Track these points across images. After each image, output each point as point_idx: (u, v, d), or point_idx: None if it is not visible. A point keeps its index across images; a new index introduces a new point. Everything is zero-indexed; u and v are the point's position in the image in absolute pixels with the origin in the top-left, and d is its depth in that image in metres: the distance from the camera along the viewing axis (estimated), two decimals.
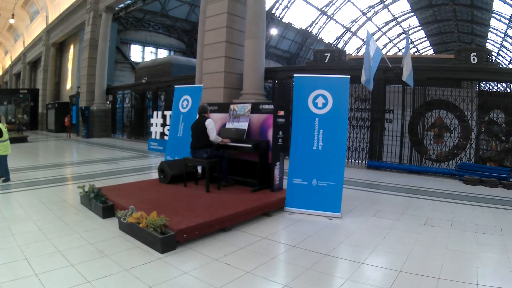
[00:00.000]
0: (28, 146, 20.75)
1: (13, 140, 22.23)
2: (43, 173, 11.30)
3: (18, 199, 7.88)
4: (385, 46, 54.59)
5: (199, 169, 9.00)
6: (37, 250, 4.90)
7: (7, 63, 60.49)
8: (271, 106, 7.93)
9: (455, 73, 13.31)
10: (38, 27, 41.84)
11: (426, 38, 56.11)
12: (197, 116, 8.38)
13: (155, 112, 18.65)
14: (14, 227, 5.79)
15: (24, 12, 43.33)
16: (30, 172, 11.32)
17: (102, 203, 6.60)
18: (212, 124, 7.94)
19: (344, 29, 50.35)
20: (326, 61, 15.85)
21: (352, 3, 45.04)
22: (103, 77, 27.22)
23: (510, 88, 13.09)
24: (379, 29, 51.38)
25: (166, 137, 15.95)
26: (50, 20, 37.42)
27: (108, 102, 28.03)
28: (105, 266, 4.46)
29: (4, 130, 9.64)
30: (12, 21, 38.69)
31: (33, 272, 4.23)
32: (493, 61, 24.21)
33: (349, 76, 7.45)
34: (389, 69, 13.08)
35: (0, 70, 66.11)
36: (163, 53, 39.01)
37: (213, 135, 7.92)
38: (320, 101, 7.31)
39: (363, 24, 49.66)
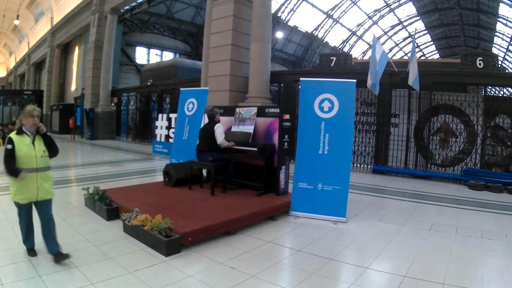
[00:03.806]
0: None
1: None
2: None
3: None
4: (391, 50, 54.55)
5: (204, 172, 8.99)
6: (41, 251, 4.89)
7: (12, 64, 60.67)
8: (277, 110, 7.93)
9: (461, 77, 13.29)
10: (43, 28, 41.96)
11: (432, 42, 56.03)
12: (206, 120, 8.40)
13: (160, 115, 18.71)
14: (18, 228, 5.76)
15: (29, 13, 43.47)
16: None
17: (106, 205, 6.60)
18: (220, 128, 7.96)
19: (350, 32, 50.35)
20: (332, 65, 15.89)
21: (358, 6, 45.05)
22: (108, 79, 27.30)
23: None
24: (385, 33, 51.37)
25: (171, 140, 15.98)
26: (55, 21, 37.57)
27: (113, 104, 28.06)
28: (109, 269, 4.46)
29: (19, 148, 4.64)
30: (17, 22, 38.86)
31: (37, 274, 4.24)
32: (499, 65, 24.20)
33: (355, 80, 7.43)
34: (395, 74, 13.06)
35: (5, 71, 66.29)
36: (168, 56, 39.11)
37: (220, 138, 7.92)
38: (326, 105, 7.29)
39: (369, 27, 49.63)
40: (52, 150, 4.92)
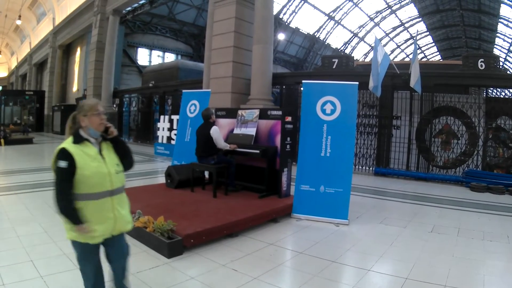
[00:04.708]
0: (34, 148, 20.87)
1: (18, 142, 22.48)
2: (48, 175, 11.26)
3: (24, 200, 7.90)
4: (392, 51, 54.49)
5: (206, 174, 8.99)
6: (43, 252, 4.92)
7: (13, 64, 60.62)
8: (279, 112, 7.94)
9: (463, 79, 13.28)
10: (44, 28, 42.04)
11: (433, 44, 55.99)
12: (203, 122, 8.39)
13: (162, 116, 18.69)
14: (19, 229, 5.80)
15: (31, 14, 43.49)
16: (36, 174, 11.34)
17: None
18: (217, 133, 7.93)
19: (352, 34, 50.32)
20: (334, 67, 15.86)
21: (360, 8, 45.00)
22: (110, 80, 27.30)
23: None
24: (387, 34, 51.34)
25: (172, 142, 15.99)
26: (57, 22, 37.60)
27: (114, 106, 28.05)
28: None
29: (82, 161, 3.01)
30: (18, 22, 38.79)
31: (39, 274, 4.25)
32: (501, 67, 24.19)
33: (357, 83, 7.46)
34: (396, 75, 13.06)
35: (6, 71, 66.30)
36: (170, 57, 39.09)
37: (221, 144, 7.93)
38: (328, 107, 7.31)
39: (371, 29, 49.61)
40: (128, 161, 3.39)
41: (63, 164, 2.87)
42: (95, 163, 3.03)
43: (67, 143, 2.99)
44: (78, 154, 2.95)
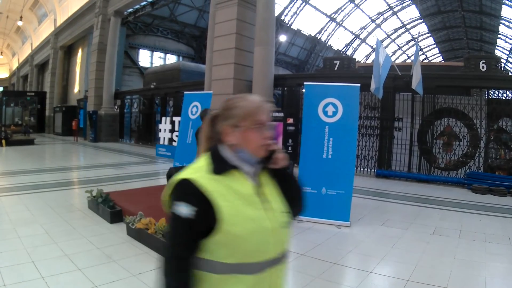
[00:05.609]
0: (35, 149, 20.85)
1: (20, 143, 22.50)
2: (50, 176, 11.32)
3: (25, 201, 7.88)
4: (394, 53, 54.37)
5: None
6: (44, 253, 4.92)
7: (15, 65, 60.59)
8: (281, 114, 7.95)
9: (465, 81, 13.28)
10: (46, 29, 42.01)
11: (435, 45, 55.88)
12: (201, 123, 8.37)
13: (163, 118, 18.69)
14: (20, 230, 5.80)
15: (32, 15, 43.50)
16: (37, 175, 11.33)
17: (110, 208, 6.60)
18: None
19: (353, 36, 50.23)
20: (335, 68, 15.89)
21: (361, 9, 44.91)
22: (111, 81, 27.32)
23: None
24: (388, 36, 51.25)
25: (174, 143, 15.99)
26: (58, 23, 37.59)
27: (116, 107, 28.07)
28: (112, 271, 4.46)
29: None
30: (20, 23, 38.71)
31: (40, 275, 4.24)
32: (502, 68, 24.13)
33: (359, 85, 7.46)
34: (398, 77, 13.05)
35: (8, 72, 66.32)
36: (171, 59, 39.06)
37: None
38: (330, 109, 7.31)
39: (372, 31, 49.50)
40: (298, 207, 1.83)
41: (185, 211, 1.47)
42: (253, 211, 1.56)
43: (199, 171, 1.58)
44: (222, 193, 1.52)
